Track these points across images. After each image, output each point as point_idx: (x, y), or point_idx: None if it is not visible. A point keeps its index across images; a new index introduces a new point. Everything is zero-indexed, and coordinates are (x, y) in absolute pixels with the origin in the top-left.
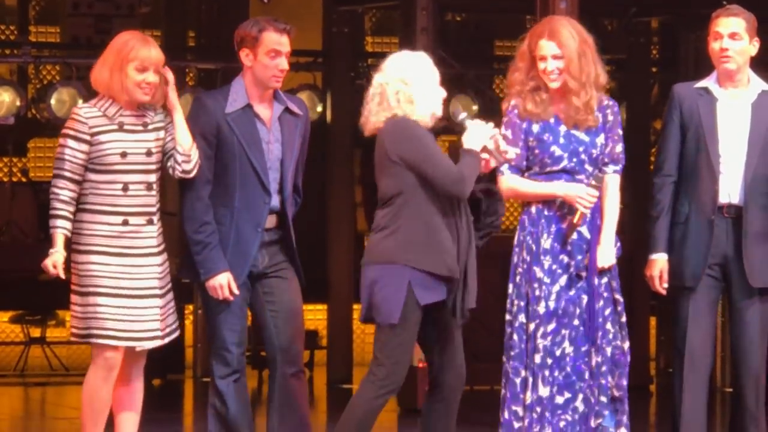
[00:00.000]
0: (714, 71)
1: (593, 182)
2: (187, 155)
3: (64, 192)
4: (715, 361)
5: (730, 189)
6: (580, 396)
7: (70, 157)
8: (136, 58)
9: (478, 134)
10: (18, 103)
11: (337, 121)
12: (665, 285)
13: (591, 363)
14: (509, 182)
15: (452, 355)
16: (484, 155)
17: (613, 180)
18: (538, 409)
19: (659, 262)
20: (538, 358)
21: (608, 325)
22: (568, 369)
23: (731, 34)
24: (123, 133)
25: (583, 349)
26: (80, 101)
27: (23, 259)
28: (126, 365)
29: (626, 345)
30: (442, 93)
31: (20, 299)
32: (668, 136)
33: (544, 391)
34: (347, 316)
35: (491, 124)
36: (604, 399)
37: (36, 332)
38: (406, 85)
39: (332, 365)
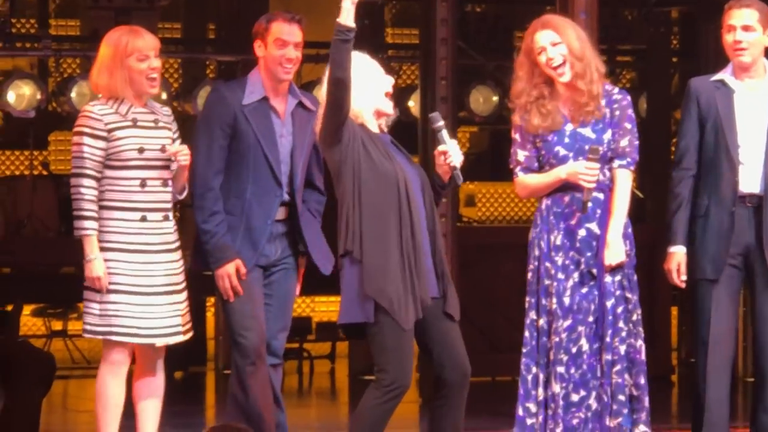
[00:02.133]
0: (730, 63)
1: (590, 155)
2: (181, 191)
3: (89, 192)
4: (737, 351)
5: (750, 179)
6: (593, 394)
7: (90, 154)
8: (135, 49)
9: (455, 153)
10: (38, 97)
11: None
12: (683, 278)
13: (601, 361)
14: (521, 182)
15: (452, 351)
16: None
17: (619, 175)
18: (552, 406)
19: (677, 255)
20: (552, 355)
21: (620, 323)
22: (584, 367)
23: (744, 26)
24: (138, 129)
25: (596, 346)
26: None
27: (45, 252)
28: (146, 360)
29: (639, 343)
30: (383, 87)
31: (42, 292)
32: (686, 131)
33: (556, 388)
34: None
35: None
36: (622, 398)
37: (57, 325)
38: None
39: (354, 356)
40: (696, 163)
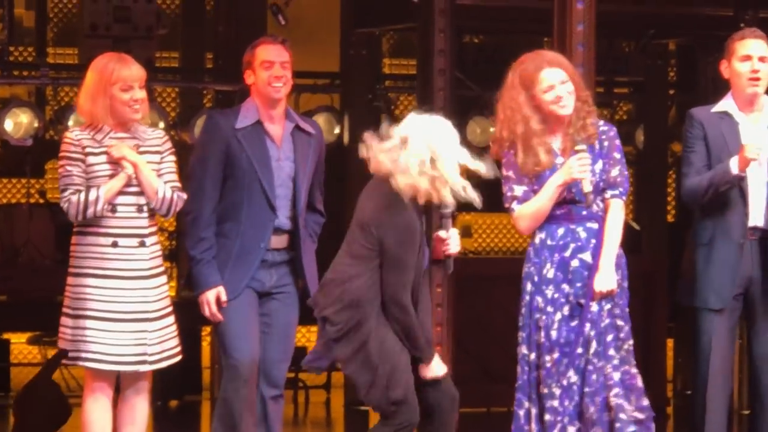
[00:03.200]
0: (728, 93)
1: (576, 148)
2: (157, 208)
3: (80, 191)
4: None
5: (755, 211)
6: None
7: (74, 173)
8: (119, 78)
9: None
10: (36, 125)
11: (355, 142)
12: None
13: (590, 381)
14: (520, 214)
15: (442, 379)
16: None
17: (612, 205)
18: None
19: (730, 161)
20: (543, 389)
21: (611, 351)
22: (577, 398)
23: (761, 57)
24: (110, 156)
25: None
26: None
27: (40, 280)
28: (125, 387)
29: (634, 371)
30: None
31: (38, 320)
32: (694, 154)
33: (549, 420)
34: None
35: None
36: (623, 416)
37: (53, 353)
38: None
39: (349, 387)
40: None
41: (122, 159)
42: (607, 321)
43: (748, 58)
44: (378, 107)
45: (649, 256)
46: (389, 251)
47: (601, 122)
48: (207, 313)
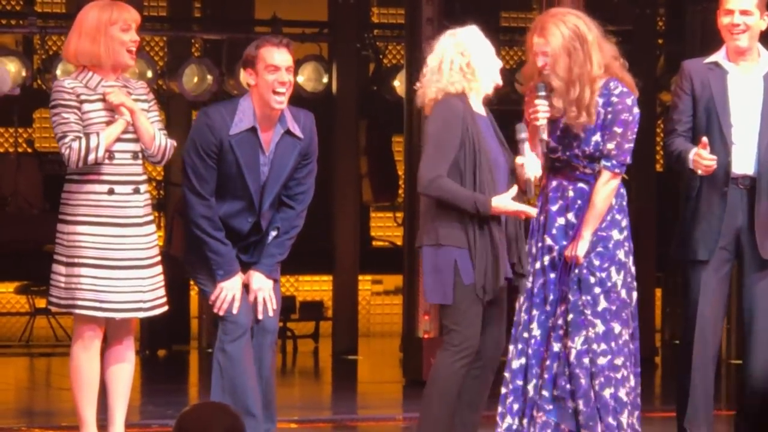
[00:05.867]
0: (723, 46)
1: (539, 92)
2: (152, 155)
3: (80, 137)
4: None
5: (744, 160)
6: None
7: (70, 120)
8: (119, 19)
9: (530, 166)
10: (23, 74)
11: (343, 91)
12: (708, 162)
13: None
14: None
15: (492, 326)
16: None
17: (602, 175)
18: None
19: (694, 153)
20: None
21: (571, 317)
22: (530, 352)
23: (743, 11)
24: (107, 103)
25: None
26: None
27: (28, 229)
28: (116, 335)
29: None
30: (499, 63)
31: (25, 270)
32: (681, 105)
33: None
34: (352, 287)
35: (539, 164)
36: (545, 393)
37: (41, 303)
38: (464, 57)
39: (337, 336)
40: (690, 130)
41: (121, 105)
42: (575, 287)
43: (730, 12)
44: (366, 56)
45: (636, 206)
46: (427, 131)
47: (618, 90)
48: (229, 298)
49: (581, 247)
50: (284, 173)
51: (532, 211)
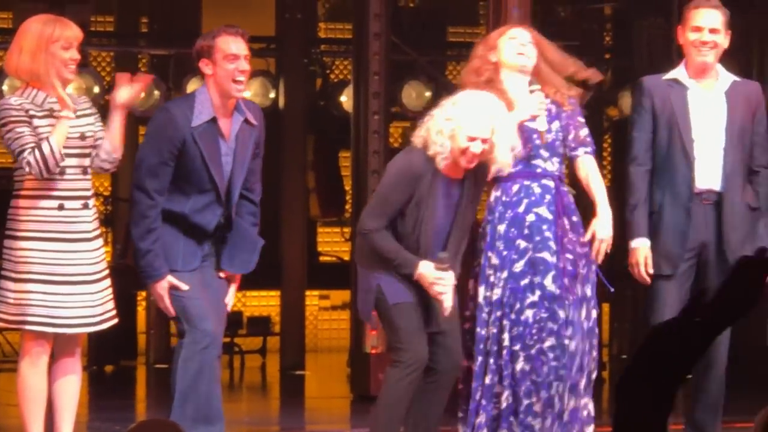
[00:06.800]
0: (681, 63)
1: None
2: (112, 161)
3: (35, 144)
4: None
5: (707, 175)
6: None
7: (24, 132)
8: (61, 37)
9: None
10: None
11: (290, 107)
12: (650, 271)
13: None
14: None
15: (447, 341)
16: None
17: (588, 160)
18: (477, 397)
19: (642, 249)
20: (488, 346)
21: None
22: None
23: (712, 29)
24: (54, 119)
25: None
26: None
27: None
28: (61, 349)
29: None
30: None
31: None
32: (640, 126)
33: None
34: (300, 302)
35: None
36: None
37: None
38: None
39: (285, 351)
40: (651, 159)
41: (123, 107)
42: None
43: (698, 29)
44: (314, 71)
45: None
46: (382, 179)
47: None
48: (161, 305)
49: (610, 227)
50: (246, 162)
51: (445, 301)
